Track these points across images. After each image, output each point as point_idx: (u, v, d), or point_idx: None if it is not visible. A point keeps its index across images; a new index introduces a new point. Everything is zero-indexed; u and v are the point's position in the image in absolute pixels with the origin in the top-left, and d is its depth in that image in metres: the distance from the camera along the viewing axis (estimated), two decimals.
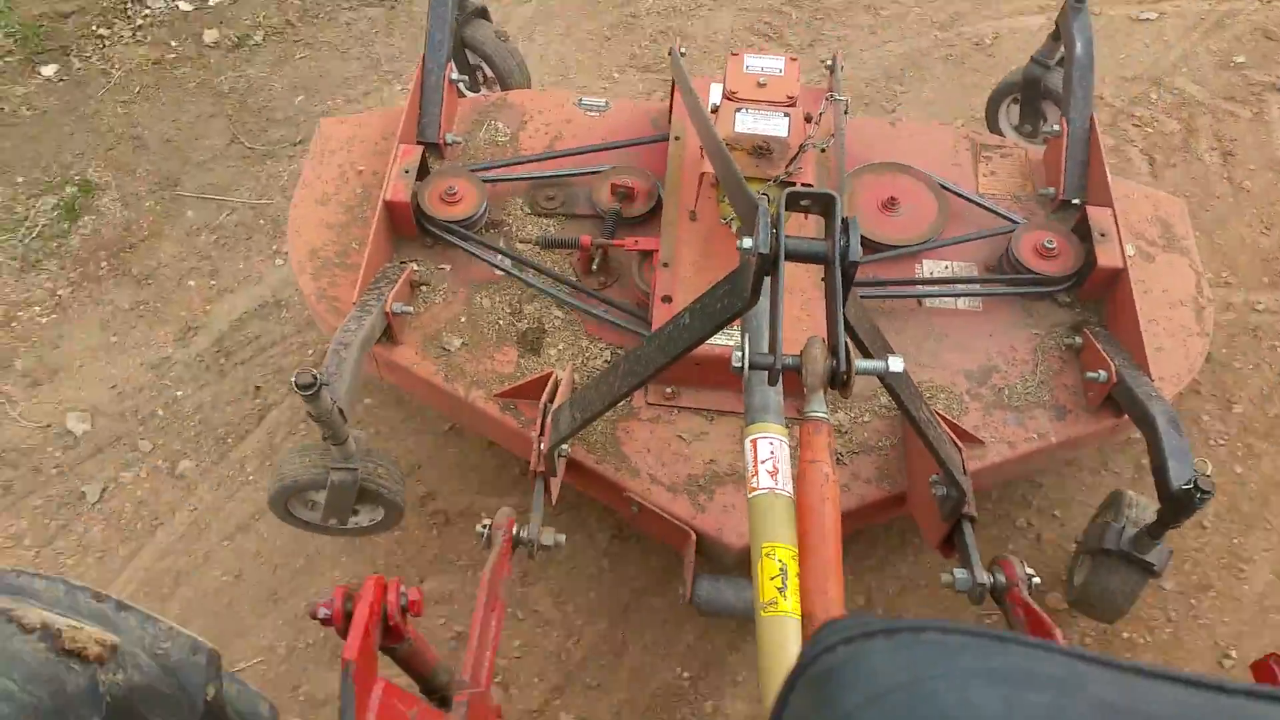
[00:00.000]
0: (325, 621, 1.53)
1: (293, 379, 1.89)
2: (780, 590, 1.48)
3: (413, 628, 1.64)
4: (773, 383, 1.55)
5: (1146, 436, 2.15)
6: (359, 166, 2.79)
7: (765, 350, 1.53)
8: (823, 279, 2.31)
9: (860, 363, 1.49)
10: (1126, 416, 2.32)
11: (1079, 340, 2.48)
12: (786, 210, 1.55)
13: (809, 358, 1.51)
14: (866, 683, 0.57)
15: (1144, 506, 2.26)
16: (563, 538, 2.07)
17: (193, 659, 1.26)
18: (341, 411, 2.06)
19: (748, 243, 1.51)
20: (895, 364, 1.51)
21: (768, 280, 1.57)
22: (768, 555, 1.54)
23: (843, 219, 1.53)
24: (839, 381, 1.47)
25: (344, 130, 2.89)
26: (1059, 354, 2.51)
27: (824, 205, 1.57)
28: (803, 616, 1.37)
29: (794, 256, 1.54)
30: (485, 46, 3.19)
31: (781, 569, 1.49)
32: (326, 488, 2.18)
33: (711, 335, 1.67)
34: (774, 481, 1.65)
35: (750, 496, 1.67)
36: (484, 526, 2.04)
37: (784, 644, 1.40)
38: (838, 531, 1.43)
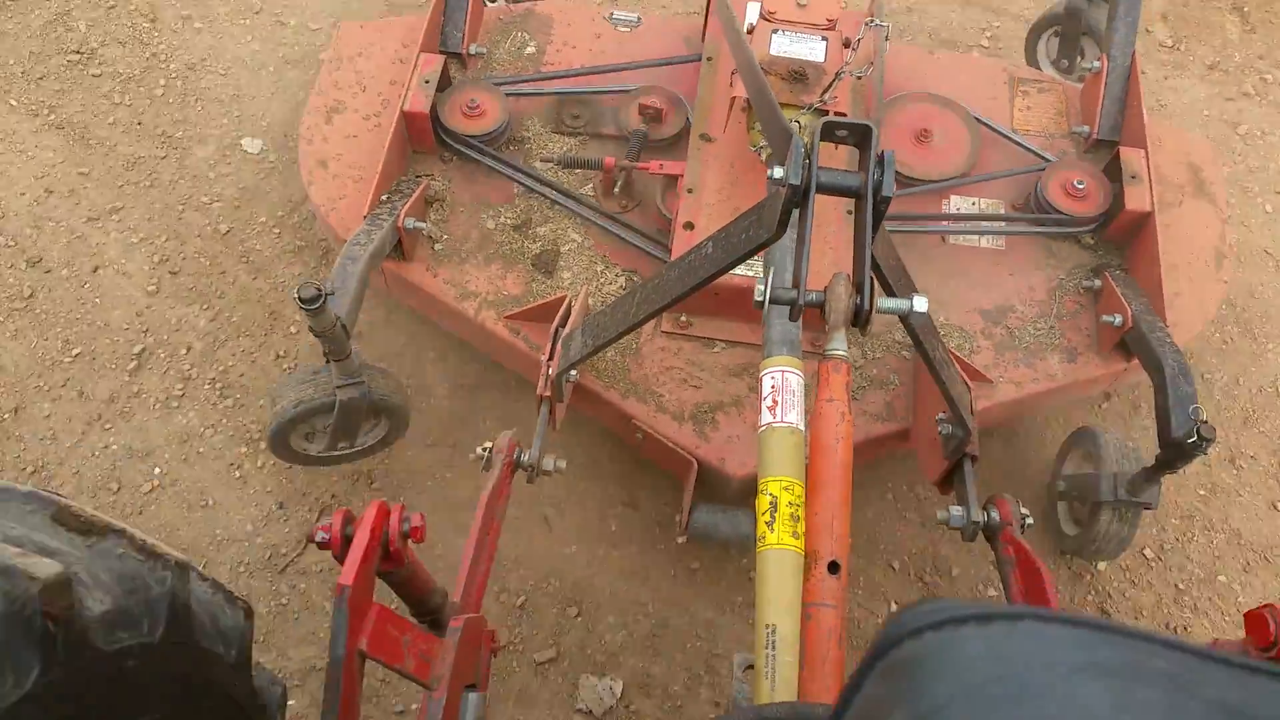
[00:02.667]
0: (323, 545, 1.48)
1: (295, 291, 1.88)
2: (798, 527, 1.50)
3: (412, 552, 1.61)
4: (794, 319, 1.54)
5: (1155, 382, 2.16)
6: (378, 75, 2.75)
7: (789, 284, 1.52)
8: (848, 211, 2.32)
9: (884, 301, 1.48)
10: (1135, 361, 2.32)
11: (1098, 283, 2.46)
12: (822, 140, 1.52)
13: (833, 295, 1.50)
14: (959, 674, 0.52)
15: (1122, 447, 2.28)
16: (564, 463, 2.08)
17: (157, 574, 1.28)
18: (344, 327, 2.05)
19: (778, 172, 1.48)
20: (920, 304, 1.50)
21: (795, 212, 1.55)
22: (775, 489, 1.57)
23: (879, 152, 1.50)
24: (861, 319, 1.47)
25: (364, 36, 2.83)
26: (1076, 296, 2.49)
27: (860, 136, 1.53)
28: (808, 554, 1.40)
29: (826, 189, 1.51)
30: None
31: (786, 503, 1.51)
32: (335, 410, 2.20)
33: (735, 266, 1.66)
34: (787, 416, 1.66)
35: (761, 430, 1.69)
36: (484, 449, 2.01)
37: (782, 576, 1.43)
38: (849, 471, 1.45)
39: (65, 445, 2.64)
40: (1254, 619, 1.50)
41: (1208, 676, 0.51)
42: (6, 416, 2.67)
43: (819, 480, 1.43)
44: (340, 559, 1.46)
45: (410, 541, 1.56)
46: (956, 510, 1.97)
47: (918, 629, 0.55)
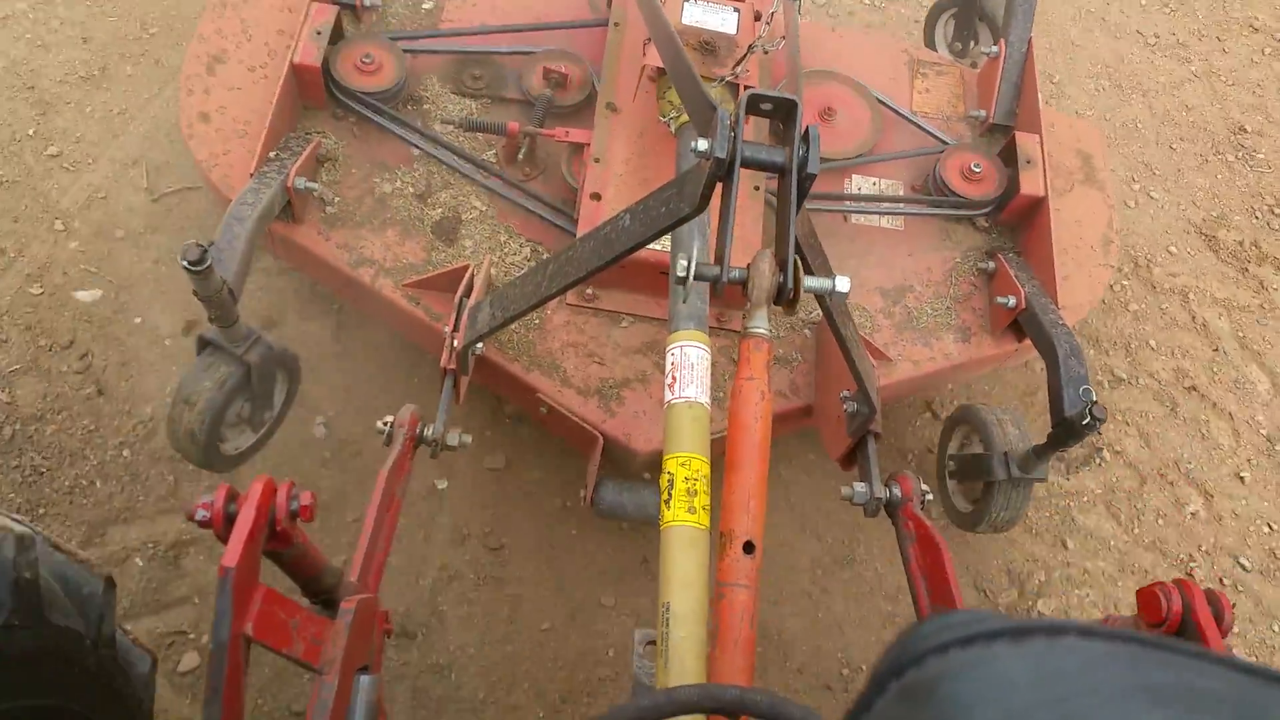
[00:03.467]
0: (203, 524, 1.38)
1: (180, 254, 1.74)
2: (695, 502, 1.49)
3: (302, 531, 1.52)
4: (718, 295, 1.51)
5: (1047, 363, 2.24)
6: (264, 23, 2.56)
7: (710, 262, 1.49)
8: (755, 187, 2.31)
9: (809, 280, 1.46)
10: (1026, 342, 2.40)
11: (992, 265, 2.53)
12: (746, 114, 1.48)
13: (756, 272, 1.47)
14: (996, 700, 0.46)
15: (1007, 421, 2.35)
16: (469, 438, 2.01)
17: None
18: (231, 291, 1.91)
19: (703, 145, 1.44)
20: (842, 284, 1.49)
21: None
22: (672, 466, 1.55)
23: (805, 127, 1.48)
24: (784, 297, 1.45)
25: None
26: (971, 277, 2.56)
27: (786, 112, 1.51)
28: (724, 533, 1.38)
29: (750, 164, 1.48)
30: None
31: (682, 479, 1.49)
32: (250, 376, 2.04)
33: (653, 240, 1.62)
34: (685, 391, 1.64)
35: (668, 404, 1.67)
36: (385, 424, 1.93)
37: (676, 553, 1.42)
38: (766, 451, 1.44)
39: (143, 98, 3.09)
40: (1146, 595, 1.57)
41: (1271, 700, 0.46)
42: (96, 73, 3.10)
43: (736, 460, 1.41)
44: (223, 539, 1.37)
45: (300, 520, 1.47)
46: (860, 487, 1.99)
47: (943, 645, 0.49)
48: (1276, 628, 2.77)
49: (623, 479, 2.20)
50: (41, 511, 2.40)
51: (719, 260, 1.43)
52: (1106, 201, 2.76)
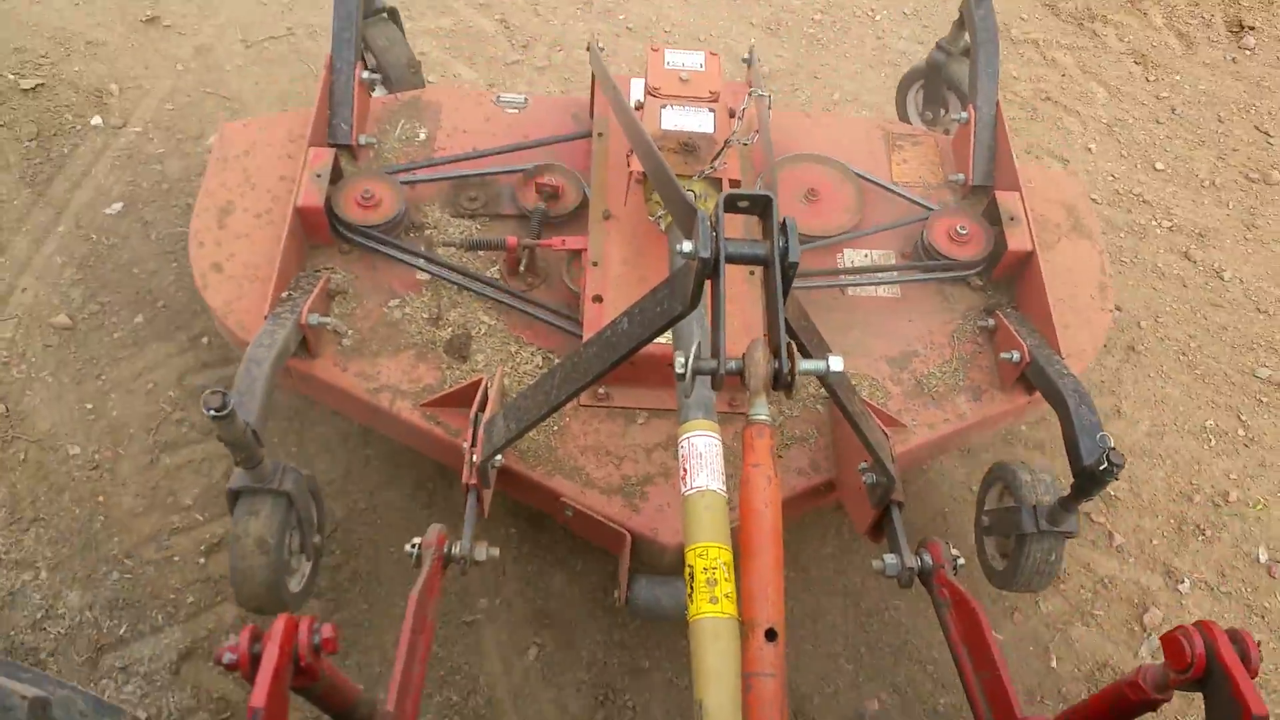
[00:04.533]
0: (230, 666, 1.39)
1: (202, 402, 1.80)
2: (716, 591, 1.49)
3: (328, 664, 1.52)
4: (717, 388, 1.55)
5: (1059, 414, 2.25)
6: (266, 171, 2.69)
7: (708, 355, 1.53)
8: (750, 273, 2.37)
9: (803, 364, 1.50)
10: (1038, 394, 2.42)
11: (992, 322, 2.58)
12: (725, 212, 1.55)
13: (751, 360, 1.51)
14: None
15: (1039, 476, 2.35)
16: (496, 551, 2.03)
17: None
18: (255, 433, 1.97)
19: (688, 246, 1.51)
20: (835, 363, 1.53)
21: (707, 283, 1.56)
22: (690, 558, 1.56)
23: (781, 219, 1.54)
24: (783, 384, 1.48)
25: (248, 133, 2.77)
26: (974, 336, 2.60)
27: (762, 207, 1.58)
28: (744, 621, 1.39)
29: (735, 259, 1.54)
30: (382, 50, 3.08)
31: (701, 569, 1.49)
32: (295, 505, 2.07)
33: (652, 339, 1.67)
34: (696, 481, 1.65)
35: (684, 497, 1.68)
36: (413, 545, 1.95)
37: (719, 645, 1.41)
38: (779, 536, 1.45)
39: None
40: (1170, 642, 1.55)
41: None
42: None
43: (750, 547, 1.43)
44: (250, 679, 1.37)
45: (324, 653, 1.48)
46: (890, 559, 1.99)
47: None
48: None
49: (657, 576, 2.20)
50: None
51: (715, 354, 1.48)
52: (1096, 248, 2.82)
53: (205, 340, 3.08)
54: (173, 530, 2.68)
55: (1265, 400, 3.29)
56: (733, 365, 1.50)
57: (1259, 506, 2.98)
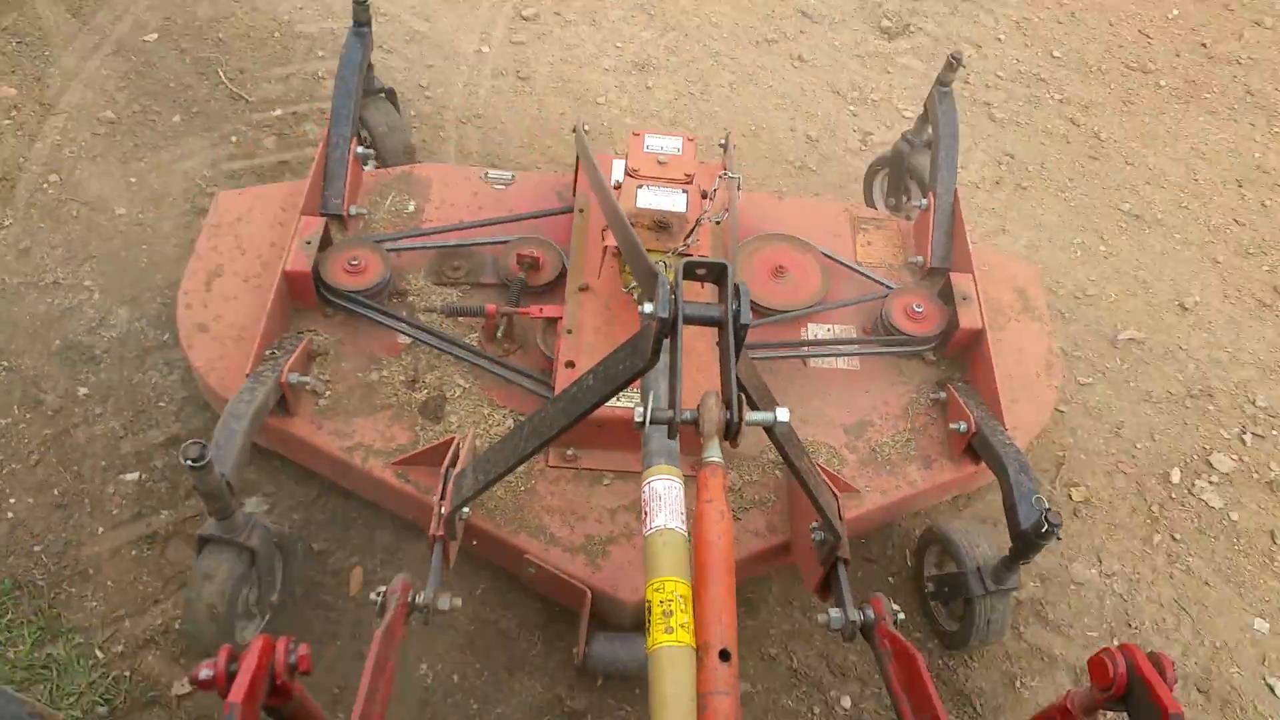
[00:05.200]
0: (206, 684, 1.44)
1: (181, 451, 1.89)
2: (671, 621, 1.56)
3: (299, 685, 1.59)
4: (672, 436, 1.66)
5: (1000, 481, 2.37)
6: (257, 238, 2.84)
7: (665, 405, 1.65)
8: (717, 341, 2.50)
9: (751, 414, 1.62)
10: (984, 464, 2.54)
11: (943, 395, 2.70)
12: (684, 279, 1.69)
13: (705, 409, 1.63)
14: None
15: (974, 538, 2.45)
16: (459, 601, 2.09)
17: None
18: (229, 485, 2.07)
19: (649, 307, 1.64)
20: (782, 414, 1.65)
21: (666, 342, 1.69)
22: (649, 594, 1.64)
23: (734, 285, 1.67)
24: (732, 431, 1.60)
25: (243, 201, 2.93)
26: (926, 408, 2.73)
27: (717, 274, 1.72)
28: (700, 646, 1.47)
29: (691, 320, 1.67)
30: (376, 128, 3.28)
31: (658, 603, 1.57)
32: (257, 563, 2.17)
33: (614, 395, 1.78)
34: (655, 522, 1.74)
35: (646, 535, 1.76)
36: (378, 594, 2.01)
37: (678, 675, 1.49)
38: (731, 565, 1.55)
39: None
40: (1095, 664, 1.67)
41: None
42: None
43: (705, 576, 1.52)
44: (225, 696, 1.43)
45: (299, 674, 1.55)
46: (835, 613, 2.08)
47: None
48: None
49: (614, 632, 2.27)
50: None
51: (671, 404, 1.59)
52: (1045, 330, 2.97)
53: (234, 139, 3.67)
54: None
55: (1124, 227, 4.10)
56: (688, 415, 1.62)
57: (1110, 300, 3.75)
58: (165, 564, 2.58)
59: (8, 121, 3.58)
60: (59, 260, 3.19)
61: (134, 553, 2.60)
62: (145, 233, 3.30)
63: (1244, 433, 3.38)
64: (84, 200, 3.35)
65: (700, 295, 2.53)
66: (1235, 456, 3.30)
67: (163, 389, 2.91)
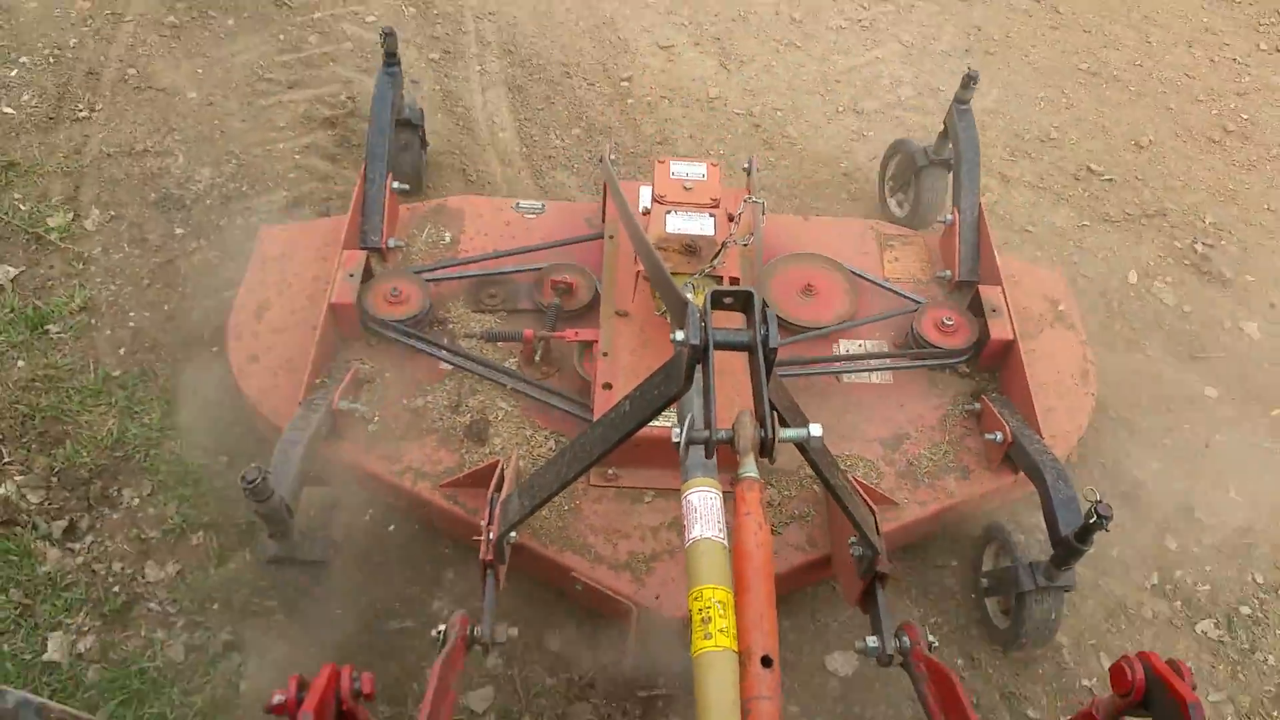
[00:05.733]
0: (279, 709, 1.53)
1: (241, 476, 1.97)
2: (710, 627, 1.60)
3: (364, 711, 1.66)
4: (709, 455, 1.71)
5: (1039, 490, 2.40)
6: (301, 272, 2.93)
7: (701, 426, 1.70)
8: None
9: (784, 431, 1.66)
10: (1023, 473, 2.56)
11: (978, 406, 2.73)
12: (713, 309, 1.74)
13: (740, 425, 1.68)
14: None
15: (1032, 535, 2.49)
16: (514, 631, 2.13)
17: None
18: (288, 507, 2.15)
19: (680, 335, 1.69)
20: (815, 430, 1.69)
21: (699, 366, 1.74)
22: (697, 598, 1.68)
23: (763, 310, 1.72)
24: (766, 449, 1.64)
25: (285, 237, 3.03)
26: (961, 420, 2.76)
27: (744, 301, 1.77)
28: (741, 651, 1.51)
29: (722, 345, 1.72)
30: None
31: (696, 611, 1.61)
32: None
33: (651, 419, 1.84)
34: (692, 532, 1.78)
35: (688, 545, 1.81)
36: (438, 632, 2.07)
37: (719, 678, 1.53)
38: (770, 573, 1.59)
39: None
40: (1116, 670, 1.71)
41: None
42: None
43: (744, 584, 1.56)
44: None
45: (364, 700, 1.62)
46: (872, 640, 2.12)
47: None
48: None
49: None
50: None
51: (707, 425, 1.64)
52: (1079, 338, 2.99)
53: (281, 37, 4.33)
54: (272, 141, 3.91)
55: (1083, 84, 4.62)
56: (723, 434, 1.66)
57: (1072, 142, 4.28)
58: None
59: (86, 29, 4.28)
60: (145, 133, 3.87)
61: None
62: (215, 110, 3.98)
63: (1195, 243, 3.91)
64: (159, 88, 4.05)
65: (731, 317, 2.60)
66: (1188, 262, 3.85)
67: (245, 228, 3.52)
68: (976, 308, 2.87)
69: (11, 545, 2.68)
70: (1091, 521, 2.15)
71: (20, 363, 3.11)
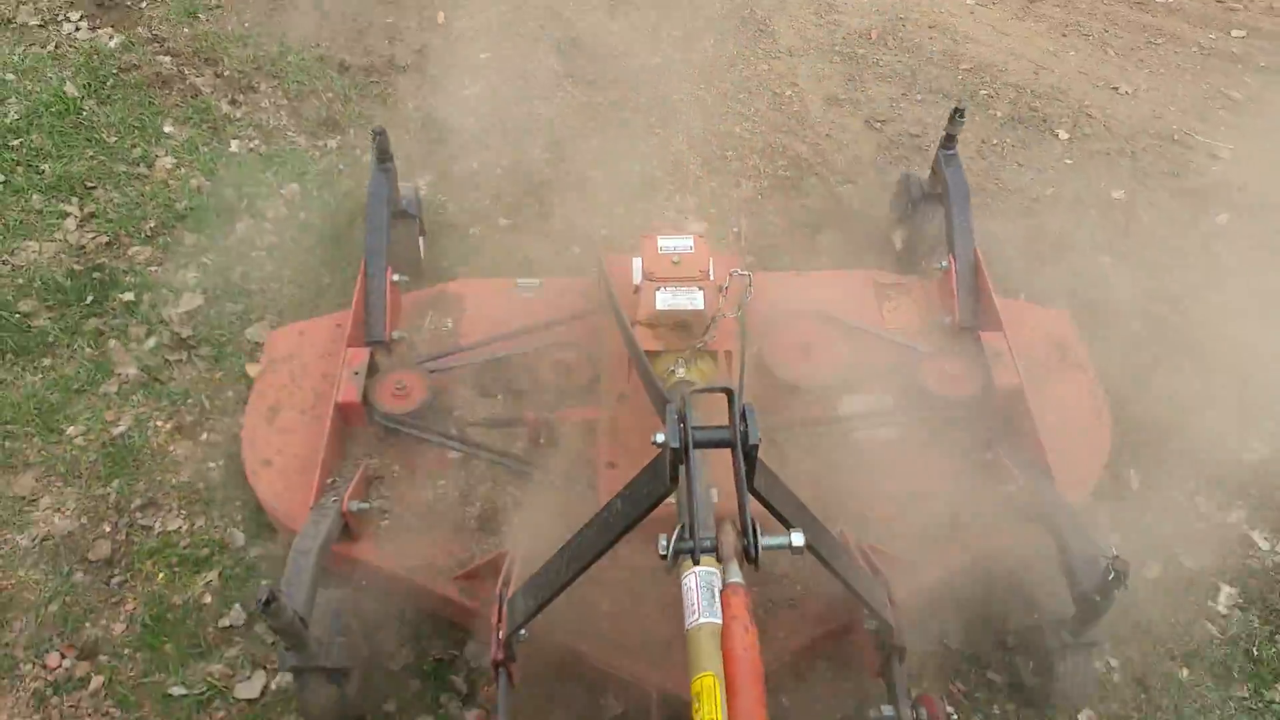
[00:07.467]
0: None
1: (256, 596, 2.00)
2: (699, 716, 1.58)
3: None
4: (696, 563, 1.70)
5: (1056, 542, 2.34)
6: (309, 371, 2.98)
7: (686, 536, 1.68)
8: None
9: (765, 540, 1.65)
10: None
11: (989, 456, 2.70)
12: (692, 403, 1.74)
13: (723, 534, 1.68)
14: None
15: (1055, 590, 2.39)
16: None
17: None
18: (302, 619, 2.17)
19: (660, 437, 1.69)
20: (796, 539, 1.67)
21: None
22: (700, 684, 1.66)
23: (742, 408, 1.71)
24: (750, 558, 1.64)
25: (292, 338, 3.09)
26: (974, 471, 2.72)
27: (726, 399, 1.76)
28: None
29: (701, 444, 1.71)
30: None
31: (701, 694, 1.60)
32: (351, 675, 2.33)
33: (643, 518, 1.83)
34: (706, 613, 1.75)
35: (688, 630, 1.79)
36: None
37: None
38: (759, 675, 1.59)
39: None
40: None
41: None
42: None
43: (734, 686, 1.57)
44: None
45: None
46: (888, 710, 2.08)
47: None
48: None
49: None
50: None
51: (691, 534, 1.64)
52: (1088, 378, 2.94)
53: None
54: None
55: None
56: (706, 544, 1.66)
57: None
58: None
59: None
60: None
61: None
62: None
63: None
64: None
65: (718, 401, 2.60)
66: None
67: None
68: (980, 355, 2.84)
69: None
70: (1111, 579, 2.10)
71: None
